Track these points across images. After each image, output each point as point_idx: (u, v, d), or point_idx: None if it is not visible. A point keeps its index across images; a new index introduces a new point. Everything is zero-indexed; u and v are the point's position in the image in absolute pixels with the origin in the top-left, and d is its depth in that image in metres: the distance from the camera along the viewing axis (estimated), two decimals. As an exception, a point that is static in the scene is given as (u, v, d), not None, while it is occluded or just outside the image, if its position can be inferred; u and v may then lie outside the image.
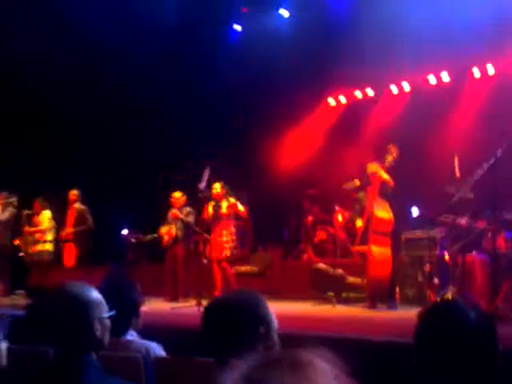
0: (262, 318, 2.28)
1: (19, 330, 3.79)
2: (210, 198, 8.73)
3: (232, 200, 8.74)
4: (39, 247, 10.37)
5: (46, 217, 10.49)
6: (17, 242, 10.54)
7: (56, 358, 2.45)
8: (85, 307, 2.41)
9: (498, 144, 5.84)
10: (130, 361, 3.13)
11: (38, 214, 10.52)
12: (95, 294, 2.48)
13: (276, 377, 0.72)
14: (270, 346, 2.26)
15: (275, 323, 2.34)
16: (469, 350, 1.87)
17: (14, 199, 10.34)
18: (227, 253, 8.61)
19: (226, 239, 8.64)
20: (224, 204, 8.70)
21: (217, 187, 8.75)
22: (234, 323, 2.23)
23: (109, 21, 9.96)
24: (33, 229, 10.41)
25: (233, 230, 8.75)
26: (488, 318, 2.00)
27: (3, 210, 10.25)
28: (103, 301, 2.49)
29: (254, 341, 2.21)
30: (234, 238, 8.75)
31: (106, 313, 2.49)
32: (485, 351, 1.89)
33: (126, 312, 3.35)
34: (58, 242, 10.60)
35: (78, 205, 10.67)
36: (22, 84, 10.66)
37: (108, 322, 2.49)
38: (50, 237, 10.44)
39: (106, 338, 2.48)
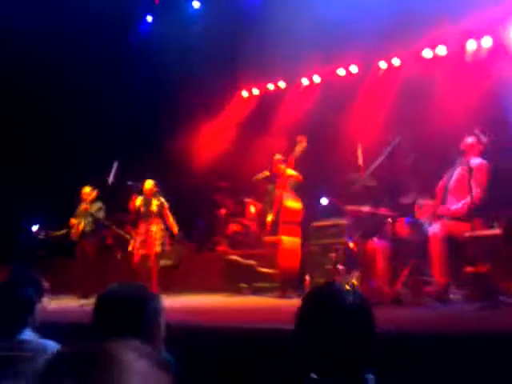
0: (154, 314, 2.27)
1: None
2: (139, 192, 8.79)
3: (162, 199, 8.83)
4: None
5: None
6: None
7: None
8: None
9: (396, 133, 6.05)
10: (24, 360, 3.06)
11: None
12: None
13: (63, 374, 0.69)
14: (157, 343, 2.26)
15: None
16: (344, 332, 1.92)
17: None
18: (158, 249, 8.64)
19: (157, 236, 8.67)
20: (154, 201, 8.75)
21: (149, 183, 8.80)
22: (125, 316, 2.20)
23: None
24: None
25: (163, 226, 8.81)
26: (366, 301, 2.06)
27: None
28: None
29: (144, 336, 2.20)
30: (164, 234, 8.80)
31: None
32: (360, 334, 1.95)
33: (19, 311, 3.28)
34: None
35: None
36: None
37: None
38: None
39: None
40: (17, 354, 3.12)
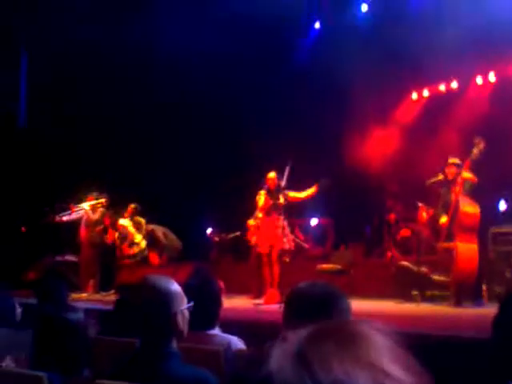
0: (343, 313, 2.27)
1: (108, 324, 3.96)
2: (263, 187, 8.48)
3: (289, 193, 8.38)
4: (133, 249, 10.59)
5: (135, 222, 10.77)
6: (110, 240, 10.75)
7: (140, 348, 2.54)
8: (166, 299, 2.50)
9: None
10: (212, 353, 3.21)
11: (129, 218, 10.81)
12: (175, 287, 2.56)
13: (326, 348, 0.72)
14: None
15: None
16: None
17: (103, 199, 10.65)
18: (282, 246, 8.27)
19: (281, 232, 8.27)
20: (280, 195, 8.33)
21: (272, 176, 8.39)
22: (315, 315, 2.21)
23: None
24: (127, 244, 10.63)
25: (285, 222, 8.41)
26: None
27: (93, 211, 10.59)
28: (183, 293, 2.57)
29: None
30: (287, 231, 8.44)
31: (185, 305, 2.56)
32: None
33: (211, 308, 3.45)
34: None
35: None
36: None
37: (187, 314, 2.57)
38: (139, 238, 10.66)
39: (186, 328, 2.56)
40: (206, 347, 3.28)
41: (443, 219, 7.78)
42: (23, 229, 11.42)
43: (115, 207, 10.78)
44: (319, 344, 0.73)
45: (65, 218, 10.54)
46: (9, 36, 11.26)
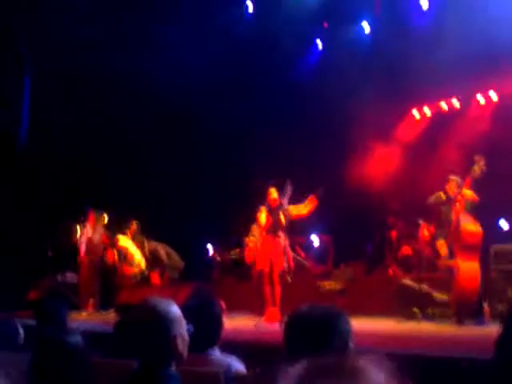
0: (343, 335, 2.26)
1: (108, 346, 3.93)
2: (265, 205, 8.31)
3: (290, 208, 8.25)
4: (133, 269, 10.52)
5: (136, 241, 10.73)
6: (110, 260, 10.69)
7: (139, 370, 2.53)
8: (166, 322, 2.48)
9: None
10: (211, 376, 3.19)
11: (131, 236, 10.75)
12: (175, 310, 2.55)
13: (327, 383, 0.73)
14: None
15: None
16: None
17: (103, 217, 10.62)
18: (283, 265, 8.15)
19: (281, 251, 8.17)
20: (281, 212, 8.20)
21: (273, 194, 8.23)
22: (315, 337, 2.18)
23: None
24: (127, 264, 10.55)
25: (287, 241, 8.31)
26: None
27: (94, 229, 10.57)
28: (182, 316, 2.55)
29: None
30: (288, 250, 8.33)
31: (185, 328, 2.55)
32: None
33: (210, 329, 3.42)
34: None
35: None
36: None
37: (187, 337, 2.55)
38: (139, 258, 10.59)
39: (185, 352, 2.54)
40: (205, 369, 3.26)
41: (440, 242, 7.82)
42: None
43: (115, 226, 10.75)
44: (321, 379, 0.73)
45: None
46: (8, 35, 11.22)
